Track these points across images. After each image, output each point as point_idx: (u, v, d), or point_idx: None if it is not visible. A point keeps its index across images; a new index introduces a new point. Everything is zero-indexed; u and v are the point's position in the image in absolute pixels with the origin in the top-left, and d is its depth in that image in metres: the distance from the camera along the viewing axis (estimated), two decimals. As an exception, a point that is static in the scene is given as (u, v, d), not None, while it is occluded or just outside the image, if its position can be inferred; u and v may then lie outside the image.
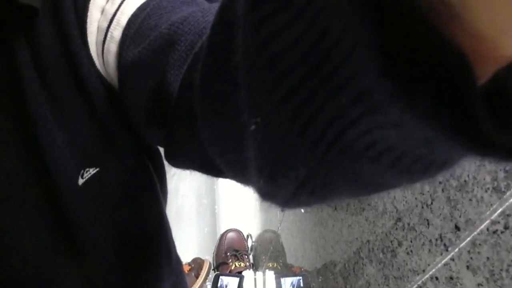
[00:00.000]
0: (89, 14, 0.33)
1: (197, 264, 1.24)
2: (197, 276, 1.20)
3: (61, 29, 0.33)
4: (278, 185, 0.20)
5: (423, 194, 0.56)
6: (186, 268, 1.21)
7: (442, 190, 0.52)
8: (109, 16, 0.33)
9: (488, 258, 0.46)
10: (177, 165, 0.35)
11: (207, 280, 1.22)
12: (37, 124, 0.33)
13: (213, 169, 0.30)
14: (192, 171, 0.34)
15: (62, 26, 0.33)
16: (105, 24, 0.33)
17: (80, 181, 0.37)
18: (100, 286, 0.44)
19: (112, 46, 0.33)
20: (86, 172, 0.37)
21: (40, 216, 0.37)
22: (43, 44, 0.33)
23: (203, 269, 1.22)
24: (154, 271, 0.52)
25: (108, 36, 0.33)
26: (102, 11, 0.33)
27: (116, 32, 0.33)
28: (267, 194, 0.22)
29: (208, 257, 1.38)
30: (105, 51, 0.34)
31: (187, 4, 0.33)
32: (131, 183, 0.42)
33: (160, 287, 0.53)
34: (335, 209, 0.83)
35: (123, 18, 0.33)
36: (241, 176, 0.23)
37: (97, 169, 0.37)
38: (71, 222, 0.38)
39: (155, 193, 0.47)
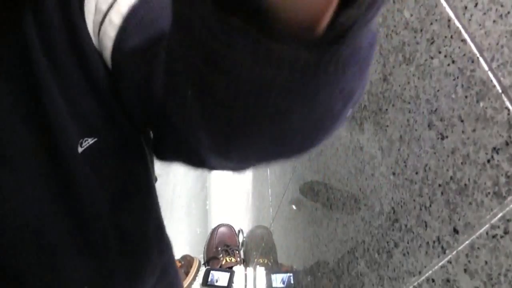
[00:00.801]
0: None
1: (186, 261, 1.23)
2: (187, 274, 1.19)
3: (64, 3, 0.35)
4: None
5: (422, 196, 0.55)
6: (176, 265, 1.20)
7: (441, 193, 0.52)
8: (109, 1, 0.36)
9: (486, 262, 0.46)
10: (164, 154, 0.42)
11: (196, 277, 1.21)
12: (42, 91, 0.35)
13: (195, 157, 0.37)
14: (179, 164, 0.41)
15: (64, 1, 0.35)
16: (104, 8, 0.36)
17: (79, 150, 0.38)
18: (99, 253, 0.45)
19: (110, 30, 0.36)
20: (85, 141, 0.39)
21: (44, 182, 0.38)
22: (47, 16, 0.35)
23: (193, 266, 1.21)
24: (145, 244, 0.53)
25: (107, 19, 0.36)
26: None
27: (116, 19, 0.36)
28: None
29: (199, 253, 1.37)
30: (101, 32, 0.37)
31: None
32: (126, 154, 0.44)
33: (151, 260, 0.54)
34: (330, 208, 0.82)
35: (123, 7, 0.36)
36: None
37: (95, 139, 0.39)
38: (73, 191, 0.39)
39: (147, 165, 0.49)
